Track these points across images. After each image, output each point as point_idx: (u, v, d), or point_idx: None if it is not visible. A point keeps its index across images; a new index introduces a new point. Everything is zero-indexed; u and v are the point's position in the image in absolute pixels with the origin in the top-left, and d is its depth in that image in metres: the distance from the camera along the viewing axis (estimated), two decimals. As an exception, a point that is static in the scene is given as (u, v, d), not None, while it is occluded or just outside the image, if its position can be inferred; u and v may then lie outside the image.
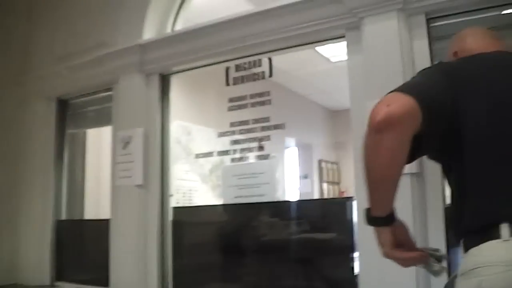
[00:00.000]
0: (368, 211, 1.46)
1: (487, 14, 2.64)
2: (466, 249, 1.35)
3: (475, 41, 1.79)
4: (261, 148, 3.30)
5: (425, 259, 1.49)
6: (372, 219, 1.46)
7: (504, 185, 1.33)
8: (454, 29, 1.87)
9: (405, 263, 1.50)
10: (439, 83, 1.43)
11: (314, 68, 5.94)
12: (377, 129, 1.29)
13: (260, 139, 3.30)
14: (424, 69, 1.59)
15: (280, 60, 3.36)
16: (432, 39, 2.72)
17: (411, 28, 2.73)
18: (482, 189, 1.35)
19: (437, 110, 1.36)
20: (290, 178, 6.20)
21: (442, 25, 2.74)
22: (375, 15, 2.75)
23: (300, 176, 7.56)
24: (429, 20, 2.74)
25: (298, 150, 7.55)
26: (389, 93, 1.38)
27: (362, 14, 2.79)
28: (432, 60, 2.67)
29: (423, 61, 2.63)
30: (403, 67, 2.59)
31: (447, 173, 1.54)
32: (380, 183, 1.39)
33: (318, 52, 5.35)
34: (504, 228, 1.26)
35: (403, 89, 1.37)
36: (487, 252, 1.27)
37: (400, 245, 1.46)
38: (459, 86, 1.42)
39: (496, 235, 1.26)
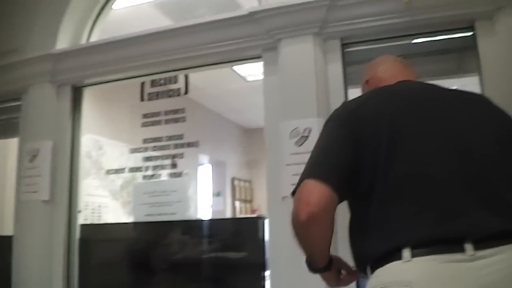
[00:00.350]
0: (309, 264, 1.66)
1: (399, 42, 2.76)
2: (373, 271, 1.41)
3: (385, 71, 1.87)
4: (174, 165, 3.26)
5: (358, 274, 1.71)
6: (314, 269, 1.66)
7: (404, 216, 1.39)
8: (367, 55, 1.94)
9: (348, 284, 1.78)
10: (342, 145, 1.52)
11: (230, 86, 5.95)
12: (304, 226, 1.45)
13: (173, 156, 3.27)
14: (325, 125, 1.64)
15: (196, 77, 3.34)
16: (346, 64, 2.81)
17: (326, 52, 2.80)
18: (385, 220, 1.41)
19: (347, 177, 1.48)
20: (203, 196, 6.16)
21: (356, 50, 2.83)
22: (292, 37, 2.81)
23: (213, 194, 7.52)
24: (344, 45, 2.84)
25: (212, 167, 7.52)
26: (302, 176, 1.49)
27: (279, 36, 2.84)
28: (345, 84, 2.75)
29: (337, 84, 2.72)
30: (317, 90, 2.66)
31: (351, 207, 1.60)
32: (314, 255, 1.61)
33: (234, 71, 5.37)
34: (405, 252, 1.32)
35: (315, 172, 1.48)
36: (390, 272, 1.34)
37: (339, 270, 1.75)
38: (360, 136, 1.50)
39: (398, 257, 1.32)
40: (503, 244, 1.32)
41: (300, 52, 2.77)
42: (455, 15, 2.65)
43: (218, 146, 7.22)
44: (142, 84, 3.44)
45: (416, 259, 1.31)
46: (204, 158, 6.76)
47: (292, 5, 2.78)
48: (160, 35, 3.23)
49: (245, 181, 8.48)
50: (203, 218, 3.73)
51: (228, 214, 7.84)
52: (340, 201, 1.49)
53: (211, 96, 6.02)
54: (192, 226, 3.33)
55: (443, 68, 2.81)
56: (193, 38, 3.13)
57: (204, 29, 3.09)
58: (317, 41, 2.77)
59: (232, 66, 3.65)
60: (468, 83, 2.66)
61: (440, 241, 1.32)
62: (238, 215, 8.14)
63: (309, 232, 1.47)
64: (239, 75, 5.60)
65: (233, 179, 8.18)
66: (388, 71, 1.86)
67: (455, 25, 2.73)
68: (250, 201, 8.56)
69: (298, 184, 1.49)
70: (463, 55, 2.81)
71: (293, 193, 1.50)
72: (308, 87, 2.69)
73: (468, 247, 1.30)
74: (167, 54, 3.21)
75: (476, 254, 1.29)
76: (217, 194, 7.59)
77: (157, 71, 3.37)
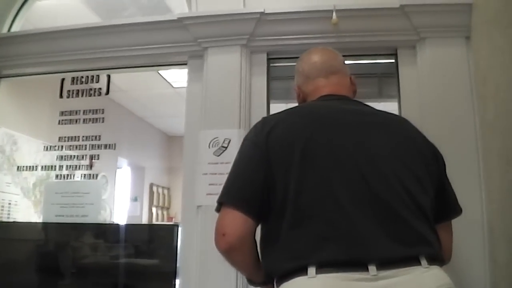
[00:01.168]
0: (248, 280, 1.76)
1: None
2: (278, 285, 1.44)
3: (309, 85, 1.86)
4: (90, 166, 3.17)
5: None
6: (255, 284, 1.72)
7: (312, 238, 1.41)
8: (293, 71, 1.94)
9: None
10: (256, 168, 1.54)
11: (155, 91, 5.87)
12: (225, 254, 1.54)
13: (90, 157, 3.18)
14: (241, 146, 1.65)
15: (120, 78, 3.28)
16: (270, 78, 2.83)
17: (252, 65, 2.82)
18: (294, 241, 1.43)
19: (261, 199, 1.51)
20: (119, 200, 6.04)
21: (281, 66, 2.86)
22: (219, 47, 2.81)
23: (130, 198, 7.39)
24: (270, 60, 2.86)
25: (131, 171, 7.39)
26: (219, 199, 1.55)
27: (206, 45, 2.83)
28: (268, 98, 2.77)
29: (260, 98, 2.75)
30: (240, 101, 2.67)
31: (264, 222, 1.59)
32: (247, 275, 1.72)
33: (160, 75, 5.31)
34: (311, 269, 1.35)
35: (229, 198, 1.54)
36: (295, 286, 1.37)
37: None
38: (274, 157, 1.52)
39: (303, 274, 1.35)
40: (406, 266, 1.36)
41: (226, 62, 2.77)
42: (380, 41, 2.74)
43: (138, 150, 7.11)
44: (62, 80, 3.33)
45: (320, 275, 1.33)
46: (123, 162, 6.64)
47: (222, 15, 2.78)
48: (86, 31, 3.13)
49: (163, 187, 8.39)
50: (117, 223, 3.64)
51: (145, 220, 7.73)
52: (257, 224, 1.55)
53: (134, 99, 5.93)
54: (105, 230, 3.24)
55: (365, 91, 2.87)
56: (119, 38, 3.06)
57: (131, 30, 3.03)
58: (244, 53, 2.78)
59: (158, 70, 3.60)
60: (388, 108, 2.73)
61: (345, 263, 1.35)
62: (155, 222, 8.05)
63: (232, 259, 1.57)
64: (165, 80, 5.54)
65: (151, 185, 8.08)
66: (313, 85, 1.84)
67: (379, 51, 2.83)
68: (168, 208, 8.48)
69: (217, 208, 1.56)
70: (385, 81, 2.89)
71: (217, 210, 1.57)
72: (231, 98, 2.69)
73: (372, 268, 1.33)
74: (91, 52, 3.11)
75: (379, 274, 1.32)
76: (134, 199, 7.47)
77: (79, 69, 3.26)
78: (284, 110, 1.76)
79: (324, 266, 1.34)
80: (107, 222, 3.43)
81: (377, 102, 2.89)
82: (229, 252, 1.52)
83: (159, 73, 5.06)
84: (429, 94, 2.61)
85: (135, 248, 3.15)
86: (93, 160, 3.18)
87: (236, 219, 1.49)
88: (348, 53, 2.74)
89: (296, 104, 1.87)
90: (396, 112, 2.67)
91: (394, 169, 1.51)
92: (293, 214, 1.45)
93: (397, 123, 1.73)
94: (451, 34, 2.67)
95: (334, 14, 2.64)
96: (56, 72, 3.35)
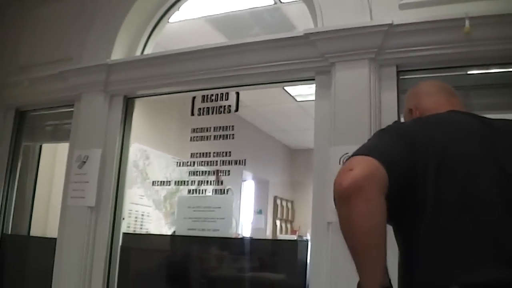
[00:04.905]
0: (360, 285, 1.32)
1: (454, 72, 2.71)
2: None
3: (430, 100, 1.79)
4: (219, 182, 3.26)
5: None
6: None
7: (454, 251, 1.33)
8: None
9: None
10: (397, 146, 1.42)
11: (279, 105, 5.95)
12: (345, 196, 1.26)
13: (219, 172, 3.27)
14: (378, 132, 1.58)
15: (245, 94, 3.35)
16: (401, 92, 2.74)
17: (381, 79, 2.76)
18: (434, 254, 1.35)
19: (399, 170, 1.35)
20: (244, 213, 6.16)
21: (411, 78, 2.77)
22: (346, 62, 2.78)
23: (254, 211, 7.53)
24: (399, 73, 2.79)
25: (255, 184, 7.53)
26: (349, 157, 1.36)
27: (334, 60, 2.82)
28: (399, 112, 2.70)
29: (391, 113, 2.67)
30: (370, 117, 2.62)
31: (399, 233, 1.51)
32: (364, 253, 1.29)
33: (285, 90, 5.38)
34: None
35: (363, 151, 1.36)
36: None
37: None
38: (416, 149, 1.41)
39: None
40: None
41: (355, 77, 2.74)
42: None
43: (262, 164, 7.24)
44: (193, 98, 3.46)
45: None
46: (247, 175, 6.78)
47: (349, 29, 2.75)
48: (213, 51, 3.25)
49: (287, 200, 8.47)
50: (244, 236, 3.71)
51: (269, 233, 7.84)
52: (390, 189, 1.30)
53: (259, 114, 6.05)
54: (233, 244, 3.32)
55: (499, 102, 2.73)
56: (246, 56, 3.14)
57: (257, 48, 3.10)
58: (372, 66, 2.73)
59: (284, 86, 3.64)
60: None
61: (488, 285, 1.28)
62: (279, 235, 8.13)
63: (353, 208, 1.25)
64: (289, 94, 5.60)
65: (275, 198, 8.19)
66: (435, 100, 1.77)
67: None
68: (292, 221, 8.54)
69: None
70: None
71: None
72: (361, 114, 2.65)
73: None
74: (219, 71, 3.22)
75: None
76: (258, 211, 7.59)
77: (208, 87, 3.38)
78: (414, 119, 1.71)
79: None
80: (235, 235, 3.50)
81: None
82: (352, 193, 1.24)
83: (283, 88, 5.13)
84: None
85: (261, 262, 3.19)
86: (221, 175, 3.26)
87: (370, 161, 1.29)
88: (479, 62, 2.65)
89: None
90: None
91: None
92: (433, 224, 1.36)
93: None
94: None
95: (467, 22, 2.53)
96: (187, 91, 3.50)
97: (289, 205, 8.46)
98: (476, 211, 1.36)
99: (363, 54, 2.74)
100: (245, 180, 6.52)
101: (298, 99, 5.71)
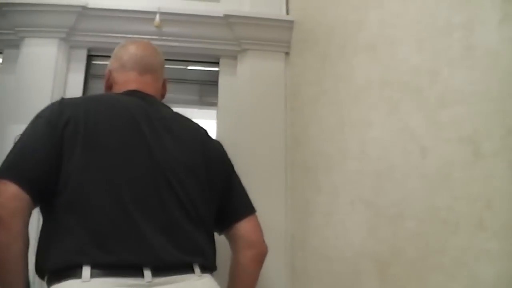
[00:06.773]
0: None
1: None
2: (49, 286, 1.35)
3: (121, 75, 1.86)
4: None
5: None
6: None
7: (87, 231, 1.36)
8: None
9: None
10: (43, 139, 1.46)
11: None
12: None
13: None
14: (34, 118, 1.58)
15: None
16: (90, 75, 2.73)
17: (70, 60, 2.69)
18: (69, 232, 1.37)
19: (41, 177, 1.40)
20: None
21: (103, 64, 2.76)
22: (36, 38, 2.64)
23: None
24: (90, 57, 2.77)
25: None
26: None
27: (23, 34, 2.65)
28: (84, 94, 2.67)
29: (76, 95, 2.60)
30: (52, 97, 2.50)
31: (43, 211, 1.51)
32: (4, 283, 1.34)
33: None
34: (85, 270, 1.29)
35: (2, 170, 1.39)
36: None
37: None
38: (64, 131, 1.46)
39: (78, 276, 1.28)
40: (180, 274, 1.37)
41: (42, 55, 2.61)
42: (203, 48, 2.75)
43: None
44: None
45: (94, 279, 1.28)
46: None
47: (42, 4, 2.61)
48: None
49: None
50: None
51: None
52: (35, 205, 1.41)
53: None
54: None
55: (186, 98, 2.87)
56: None
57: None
58: (62, 47, 2.65)
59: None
60: (207, 116, 2.76)
61: (120, 265, 1.32)
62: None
63: None
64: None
65: None
66: (125, 77, 1.84)
67: (203, 58, 2.84)
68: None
69: None
70: (208, 88, 2.91)
71: None
72: (43, 93, 2.51)
73: (147, 273, 1.32)
74: None
75: (154, 280, 1.32)
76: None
77: None
78: (82, 97, 1.72)
79: (99, 267, 1.30)
80: None
81: (197, 109, 2.91)
82: None
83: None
84: (245, 104, 2.67)
85: None
86: None
87: (8, 191, 1.34)
88: (172, 58, 2.75)
89: None
90: (214, 119, 2.72)
91: (180, 177, 1.53)
92: (67, 201, 1.40)
93: (193, 130, 1.76)
94: (271, 48, 2.75)
95: (157, 16, 2.61)
96: None
97: None
98: (113, 192, 1.42)
99: (54, 33, 2.64)
100: None
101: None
